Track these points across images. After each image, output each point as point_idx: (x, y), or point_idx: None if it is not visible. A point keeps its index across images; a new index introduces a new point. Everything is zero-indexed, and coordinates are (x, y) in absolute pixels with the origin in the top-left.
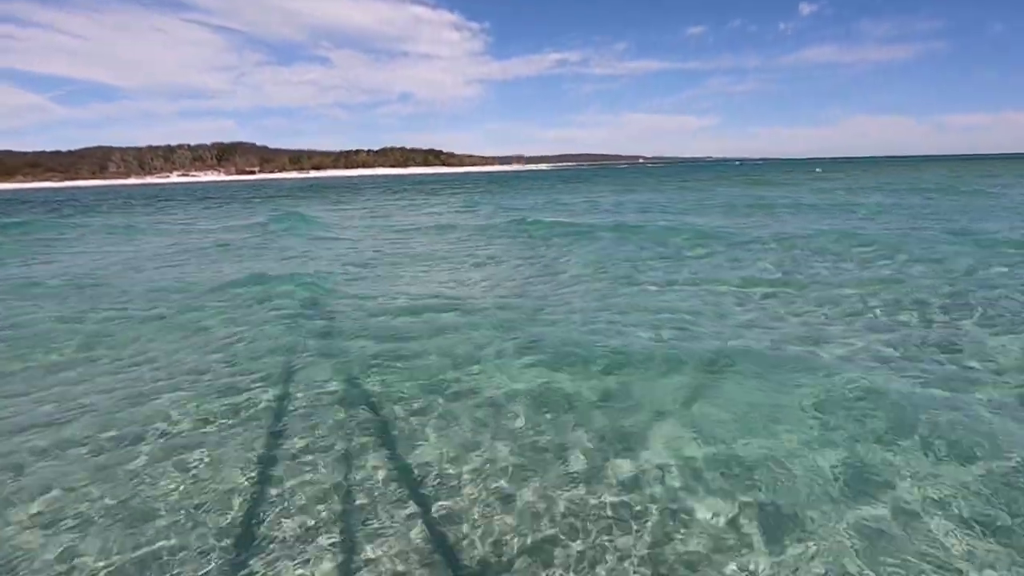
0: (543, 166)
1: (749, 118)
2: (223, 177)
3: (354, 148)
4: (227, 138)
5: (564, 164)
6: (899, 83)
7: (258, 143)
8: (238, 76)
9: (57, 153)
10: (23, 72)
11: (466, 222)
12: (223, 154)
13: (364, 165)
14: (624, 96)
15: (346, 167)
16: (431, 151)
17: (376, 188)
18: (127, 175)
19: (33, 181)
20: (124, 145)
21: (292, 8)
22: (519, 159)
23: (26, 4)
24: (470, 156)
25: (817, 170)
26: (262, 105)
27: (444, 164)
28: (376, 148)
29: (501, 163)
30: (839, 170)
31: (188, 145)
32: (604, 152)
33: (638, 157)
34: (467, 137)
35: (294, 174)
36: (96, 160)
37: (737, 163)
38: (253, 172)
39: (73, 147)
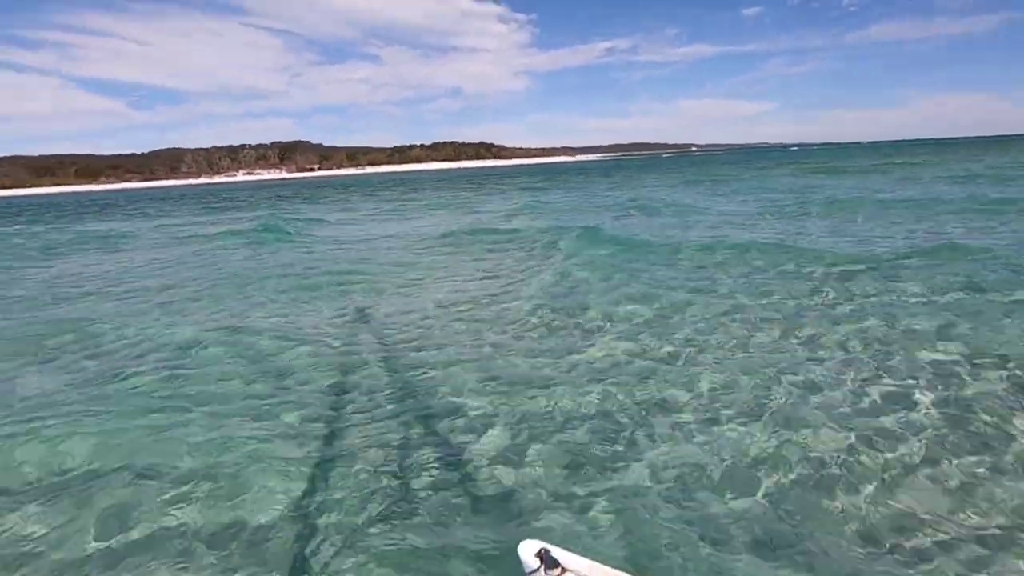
0: (593, 156)
1: (809, 101)
2: (285, 175)
3: (406, 143)
4: (285, 136)
5: (614, 154)
6: (978, 58)
7: (314, 141)
8: (293, 76)
9: (134, 155)
10: (96, 79)
11: (482, 225)
12: (284, 153)
13: (417, 160)
14: (675, 83)
15: (400, 162)
16: (482, 144)
17: (422, 183)
18: (198, 175)
19: (117, 182)
20: (193, 146)
21: (341, 7)
22: (567, 150)
23: (92, 13)
24: (521, 148)
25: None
26: (317, 103)
27: (495, 157)
28: (428, 143)
29: (550, 155)
30: (917, 153)
31: (250, 145)
32: (655, 141)
33: (690, 145)
34: (515, 129)
35: (351, 170)
36: (169, 161)
37: (794, 148)
38: (312, 169)
39: (145, 149)
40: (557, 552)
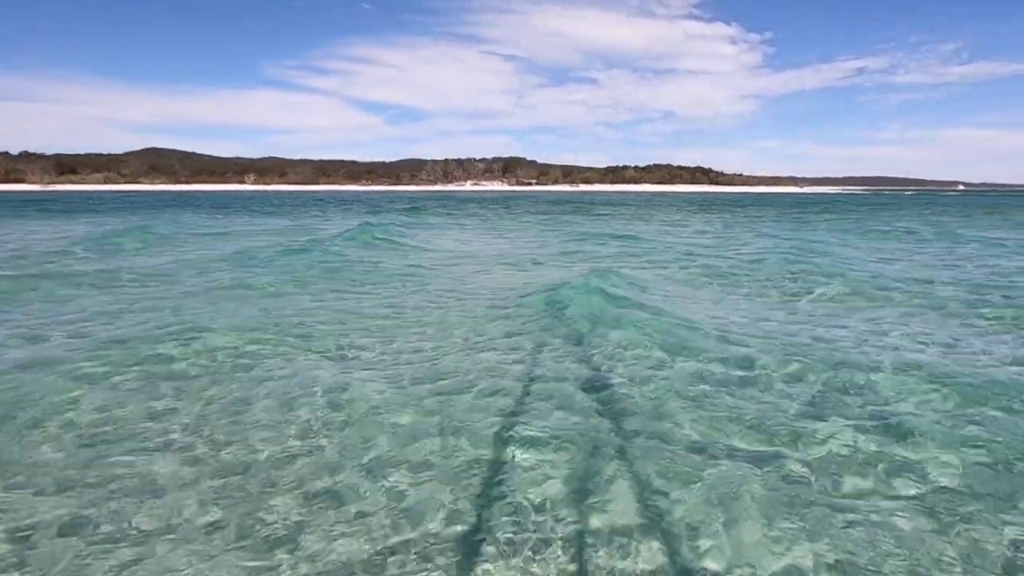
0: (825, 189)
1: None
2: (505, 187)
3: (617, 163)
4: (505, 152)
5: (850, 188)
6: None
7: (529, 157)
8: (518, 98)
9: (384, 163)
10: (365, 99)
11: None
12: (507, 167)
13: (631, 181)
14: (946, 108)
15: (613, 182)
16: (699, 169)
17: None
18: (434, 182)
19: (370, 185)
20: (428, 157)
21: (569, 34)
22: (794, 181)
23: (369, 47)
24: (740, 175)
25: None
26: (535, 123)
27: (712, 183)
28: (642, 164)
29: (774, 184)
30: None
31: (475, 158)
32: (907, 176)
33: (956, 183)
34: (736, 155)
35: (565, 187)
36: (411, 169)
37: None
38: (530, 184)
39: (393, 158)
40: None
